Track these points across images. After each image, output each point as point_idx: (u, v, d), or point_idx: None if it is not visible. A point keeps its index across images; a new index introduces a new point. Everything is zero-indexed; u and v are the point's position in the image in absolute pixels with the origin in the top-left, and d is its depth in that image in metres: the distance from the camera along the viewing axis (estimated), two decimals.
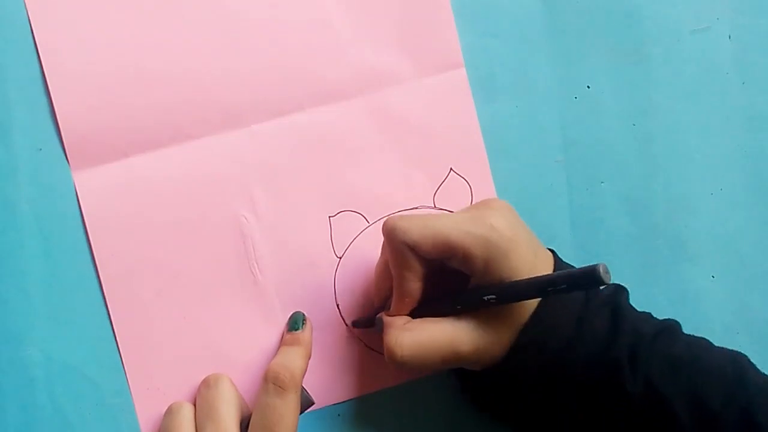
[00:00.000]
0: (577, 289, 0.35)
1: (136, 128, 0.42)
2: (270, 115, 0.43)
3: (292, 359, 0.40)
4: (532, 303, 0.38)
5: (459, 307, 0.39)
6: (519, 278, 0.37)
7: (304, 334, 0.42)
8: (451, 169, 0.45)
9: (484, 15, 0.46)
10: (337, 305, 0.44)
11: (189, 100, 0.42)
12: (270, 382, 0.39)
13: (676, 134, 0.48)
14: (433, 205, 0.45)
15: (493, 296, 0.37)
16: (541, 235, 0.46)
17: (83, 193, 0.42)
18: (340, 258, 0.44)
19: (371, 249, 0.44)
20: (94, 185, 0.42)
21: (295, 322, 0.43)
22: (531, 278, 0.37)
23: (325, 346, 0.44)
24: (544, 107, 0.46)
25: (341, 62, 0.43)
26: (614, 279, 0.47)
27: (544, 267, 0.39)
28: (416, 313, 0.40)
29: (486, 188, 0.45)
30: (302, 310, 0.43)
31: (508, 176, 0.46)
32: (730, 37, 0.48)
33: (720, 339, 0.48)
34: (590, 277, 0.33)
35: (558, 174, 0.47)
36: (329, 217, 0.44)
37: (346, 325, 0.44)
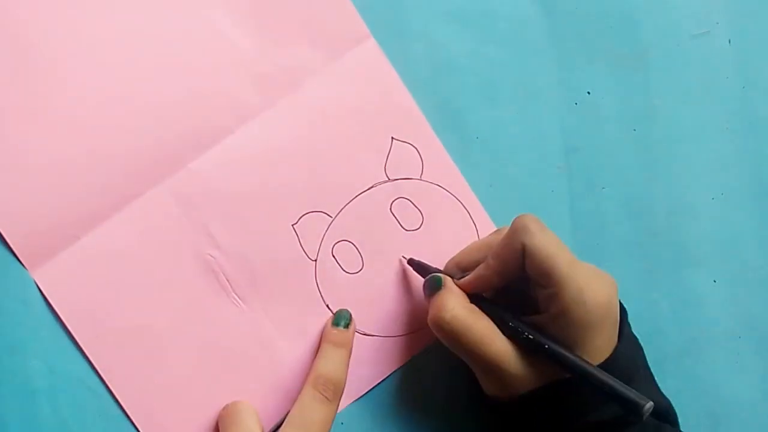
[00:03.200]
0: (617, 404, 0.36)
1: (77, 210, 0.41)
2: (202, 149, 0.42)
3: (339, 367, 0.41)
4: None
5: (509, 332, 0.39)
6: (578, 351, 0.38)
7: (349, 334, 0.43)
8: (392, 138, 0.45)
9: (485, 21, 0.46)
10: (327, 306, 0.44)
11: (117, 162, 0.41)
12: (318, 390, 0.40)
13: (676, 139, 0.48)
14: (386, 178, 0.45)
15: (547, 346, 0.38)
16: None
17: (47, 289, 0.41)
18: (315, 260, 0.44)
19: (342, 241, 0.44)
20: (55, 277, 0.41)
21: (341, 318, 0.43)
22: (588, 367, 0.37)
23: None
24: (545, 113, 0.46)
25: (252, 74, 0.43)
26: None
27: (607, 349, 0.39)
28: (472, 301, 0.41)
29: (431, 145, 0.45)
30: (294, 322, 0.43)
31: (510, 182, 0.46)
32: (730, 41, 0.48)
33: (721, 343, 0.48)
34: (634, 408, 0.35)
35: (559, 180, 0.47)
36: (292, 225, 0.44)
37: None
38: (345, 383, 0.41)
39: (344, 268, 0.44)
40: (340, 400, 0.41)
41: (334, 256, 0.44)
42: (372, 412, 0.45)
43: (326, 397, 0.40)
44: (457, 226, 0.46)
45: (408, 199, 0.45)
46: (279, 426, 0.41)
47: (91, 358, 0.41)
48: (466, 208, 0.46)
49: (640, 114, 0.47)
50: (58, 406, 0.41)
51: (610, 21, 0.47)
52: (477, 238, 0.46)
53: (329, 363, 0.41)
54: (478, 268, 0.41)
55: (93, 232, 0.41)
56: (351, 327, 0.43)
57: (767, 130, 0.48)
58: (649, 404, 0.35)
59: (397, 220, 0.45)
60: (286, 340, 0.43)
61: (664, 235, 0.48)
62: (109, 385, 0.41)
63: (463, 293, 0.41)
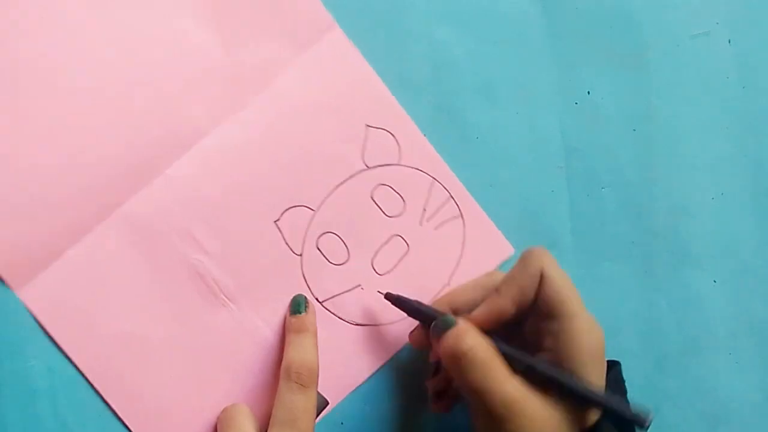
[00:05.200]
0: (622, 419, 0.37)
1: (58, 225, 0.41)
2: (177, 153, 0.42)
3: (307, 351, 0.41)
4: (588, 418, 0.38)
5: (522, 370, 0.38)
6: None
7: (309, 317, 0.43)
8: (367, 125, 0.44)
9: (484, 21, 0.46)
10: (316, 299, 0.44)
11: (94, 174, 0.41)
12: (293, 380, 0.40)
13: (676, 139, 0.48)
14: (365, 166, 0.44)
15: (566, 376, 0.37)
16: (543, 241, 0.46)
17: (34, 307, 0.41)
18: (301, 255, 0.44)
19: (326, 233, 0.44)
20: (42, 295, 0.41)
21: (297, 305, 0.43)
22: (601, 392, 0.37)
23: (324, 343, 0.44)
24: (545, 113, 0.46)
25: (221, 75, 0.42)
26: (615, 284, 0.47)
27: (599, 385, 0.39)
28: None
29: (407, 130, 0.45)
30: (286, 318, 0.43)
31: (510, 182, 0.46)
32: (729, 41, 0.48)
33: (721, 343, 0.48)
34: (638, 419, 0.37)
35: (559, 180, 0.47)
36: (274, 222, 0.43)
37: (335, 316, 0.44)
38: (318, 366, 0.41)
39: (330, 260, 0.44)
40: (317, 383, 0.41)
41: (319, 249, 0.44)
42: (372, 412, 0.45)
43: (302, 385, 0.40)
44: (439, 208, 0.45)
45: (388, 186, 0.45)
46: None
47: (84, 372, 0.41)
48: (447, 189, 0.46)
49: (640, 114, 0.47)
50: (58, 406, 0.41)
51: (610, 21, 0.47)
52: (460, 219, 0.46)
53: (296, 350, 0.41)
54: (488, 299, 0.39)
55: (76, 246, 0.41)
56: (309, 309, 0.43)
57: (767, 130, 0.48)
58: (652, 414, 0.36)
59: (379, 207, 0.45)
60: (279, 336, 0.43)
61: (663, 235, 0.48)
62: (105, 397, 0.41)
63: (480, 331, 0.39)
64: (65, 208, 0.41)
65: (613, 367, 0.41)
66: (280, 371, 0.41)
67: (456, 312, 0.42)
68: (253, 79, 0.43)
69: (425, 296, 0.45)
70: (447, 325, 0.39)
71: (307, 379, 0.40)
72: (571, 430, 0.37)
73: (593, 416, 0.38)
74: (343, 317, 0.44)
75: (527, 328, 0.40)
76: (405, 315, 0.44)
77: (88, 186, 0.41)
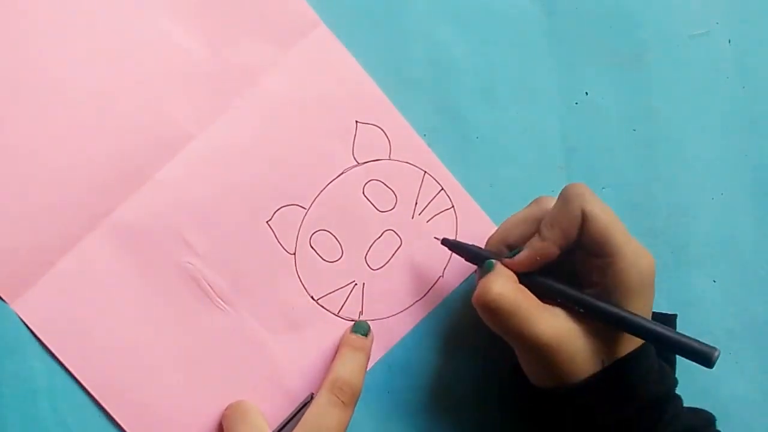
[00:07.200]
0: (688, 357, 0.37)
1: (50, 234, 0.41)
2: (166, 157, 0.42)
3: (357, 371, 0.41)
4: (624, 346, 0.39)
5: (581, 310, 0.39)
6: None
7: (368, 341, 0.43)
8: (356, 121, 0.44)
9: (485, 22, 0.46)
10: (312, 297, 0.44)
11: (83, 183, 0.41)
12: (335, 393, 0.40)
13: (676, 139, 0.48)
14: (355, 162, 0.44)
15: (619, 312, 0.38)
16: None
17: (29, 320, 0.41)
18: (294, 254, 0.44)
19: (319, 231, 0.44)
20: (36, 307, 0.41)
21: (362, 328, 0.43)
22: (663, 326, 0.37)
23: (322, 341, 0.44)
24: (545, 114, 0.46)
25: (208, 77, 0.42)
26: None
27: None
28: (524, 281, 0.40)
29: (396, 124, 0.45)
30: (281, 318, 0.43)
31: (510, 183, 0.46)
32: (729, 41, 0.48)
33: (721, 343, 0.48)
34: (705, 356, 0.36)
35: (559, 180, 0.47)
36: (266, 222, 0.43)
37: (331, 313, 0.44)
38: (361, 389, 0.41)
39: (324, 258, 0.44)
40: (355, 405, 0.41)
41: (312, 247, 0.44)
42: (373, 412, 0.45)
43: (342, 401, 0.40)
44: (431, 200, 0.46)
45: (380, 181, 0.45)
46: (283, 427, 0.41)
47: (83, 382, 0.41)
48: (437, 182, 0.46)
49: (640, 114, 0.47)
50: (58, 406, 0.41)
51: (610, 21, 0.47)
52: (452, 210, 0.46)
53: (347, 366, 0.41)
54: (531, 242, 0.40)
55: (67, 255, 0.41)
56: (369, 336, 0.43)
57: (767, 130, 0.48)
58: (718, 351, 0.36)
59: (370, 202, 0.45)
60: (276, 336, 0.43)
61: (663, 234, 0.48)
62: (106, 407, 0.41)
63: (513, 275, 0.40)
64: (55, 219, 0.41)
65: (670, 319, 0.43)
66: (323, 381, 0.41)
67: (511, 247, 0.42)
68: (239, 79, 0.43)
69: (418, 289, 0.45)
70: (486, 271, 0.40)
71: (349, 398, 0.40)
72: (608, 358, 0.38)
73: (630, 345, 0.39)
74: (338, 314, 0.44)
75: (576, 263, 0.40)
76: (401, 309, 0.45)
77: (76, 195, 0.41)
